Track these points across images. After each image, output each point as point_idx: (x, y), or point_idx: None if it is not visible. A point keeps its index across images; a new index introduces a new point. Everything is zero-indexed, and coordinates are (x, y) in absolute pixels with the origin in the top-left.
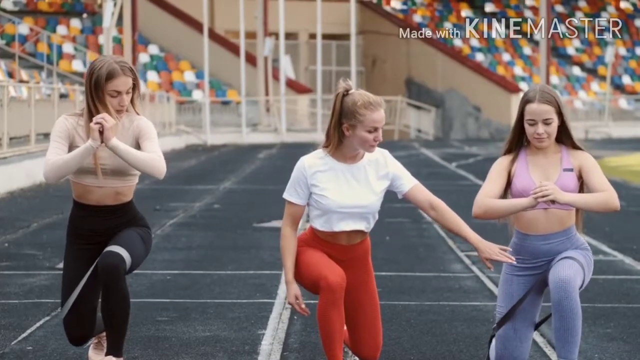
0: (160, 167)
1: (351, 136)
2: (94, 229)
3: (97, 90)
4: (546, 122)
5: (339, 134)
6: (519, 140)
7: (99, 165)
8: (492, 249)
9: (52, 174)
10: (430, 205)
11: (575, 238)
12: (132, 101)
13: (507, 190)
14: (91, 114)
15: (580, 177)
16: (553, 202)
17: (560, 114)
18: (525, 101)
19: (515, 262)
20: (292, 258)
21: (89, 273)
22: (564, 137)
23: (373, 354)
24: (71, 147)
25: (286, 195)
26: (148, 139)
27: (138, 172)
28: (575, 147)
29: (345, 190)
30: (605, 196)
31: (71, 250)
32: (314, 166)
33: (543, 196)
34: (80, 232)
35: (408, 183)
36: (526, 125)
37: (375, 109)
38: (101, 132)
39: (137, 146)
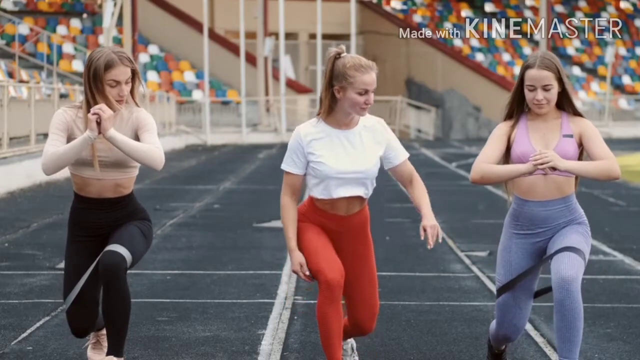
0: (158, 158)
1: (342, 99)
2: (95, 221)
3: (96, 80)
4: (545, 88)
5: (330, 98)
6: (518, 106)
7: (97, 157)
8: (433, 224)
9: (50, 165)
10: (411, 180)
11: (574, 208)
12: (132, 92)
13: (507, 156)
14: (90, 106)
15: (580, 144)
16: (553, 169)
17: (560, 80)
18: (525, 67)
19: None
20: (293, 227)
21: (92, 267)
22: (564, 103)
23: (369, 324)
24: (70, 139)
25: (284, 166)
26: (147, 131)
27: (137, 164)
28: (576, 113)
29: (342, 156)
30: (605, 164)
31: (73, 242)
32: (309, 134)
33: (542, 163)
34: (81, 224)
35: (400, 156)
36: (526, 91)
37: (366, 71)
38: (99, 123)
39: (136, 138)
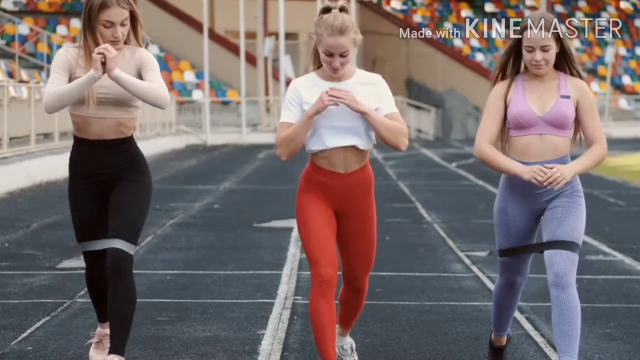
0: (163, 96)
1: (320, 54)
2: (96, 166)
3: (90, 20)
4: (544, 49)
5: (315, 50)
6: (513, 66)
7: (98, 94)
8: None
9: (52, 103)
10: None
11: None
12: (135, 34)
13: (504, 116)
14: (87, 46)
15: (577, 107)
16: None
17: (559, 41)
18: (524, 28)
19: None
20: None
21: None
22: (563, 63)
23: (362, 279)
24: (72, 78)
25: (282, 118)
26: (150, 70)
27: (139, 103)
28: (574, 74)
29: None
30: (599, 153)
31: (75, 190)
32: (303, 85)
33: (554, 182)
34: (82, 170)
35: (383, 109)
36: (524, 52)
37: (332, 34)
38: (103, 63)
39: (139, 77)
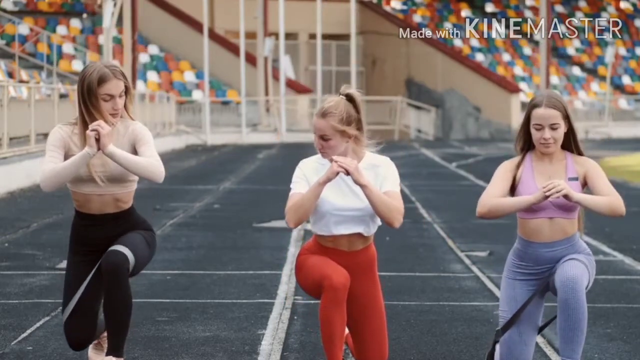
0: (159, 171)
1: None
2: (97, 237)
3: (90, 96)
4: (553, 127)
5: None
6: (524, 145)
7: (95, 172)
8: (348, 162)
9: (48, 182)
10: None
11: (579, 244)
12: (125, 106)
13: (512, 195)
14: (85, 122)
15: (584, 185)
16: (566, 196)
17: (567, 120)
18: (532, 106)
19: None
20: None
21: (91, 275)
22: (570, 143)
23: None
24: (67, 156)
25: (292, 190)
26: (145, 144)
27: (136, 177)
28: (580, 153)
29: (341, 194)
30: (614, 200)
31: (74, 258)
32: (309, 167)
33: (556, 191)
34: (83, 240)
35: (386, 186)
36: (533, 130)
37: (317, 116)
38: (97, 140)
39: (134, 151)
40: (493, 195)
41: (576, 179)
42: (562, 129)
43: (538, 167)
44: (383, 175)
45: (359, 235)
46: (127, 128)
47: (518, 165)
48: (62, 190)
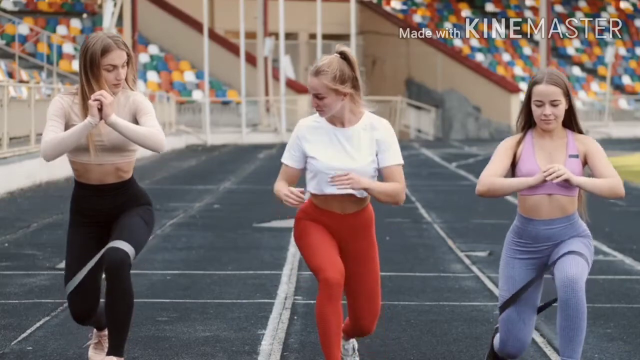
0: (160, 140)
1: None
2: (97, 208)
3: (92, 66)
4: (553, 104)
5: None
6: (526, 123)
7: (95, 142)
8: (355, 179)
9: (49, 151)
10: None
11: (578, 224)
12: (126, 77)
13: (512, 173)
14: (85, 92)
15: (585, 163)
16: (566, 180)
17: (567, 97)
18: (533, 83)
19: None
20: (284, 186)
21: (95, 259)
22: (571, 121)
23: (369, 325)
24: (67, 126)
25: (283, 159)
26: (146, 114)
27: (136, 147)
28: (580, 131)
29: (334, 153)
30: (613, 182)
31: (75, 229)
32: (307, 128)
33: (557, 176)
34: (83, 211)
35: (386, 160)
36: (533, 107)
37: (311, 74)
38: (99, 109)
39: (135, 122)
40: (493, 173)
41: (576, 156)
42: (563, 105)
43: (539, 144)
44: (382, 143)
45: (351, 197)
46: (128, 99)
47: (519, 143)
48: (62, 190)
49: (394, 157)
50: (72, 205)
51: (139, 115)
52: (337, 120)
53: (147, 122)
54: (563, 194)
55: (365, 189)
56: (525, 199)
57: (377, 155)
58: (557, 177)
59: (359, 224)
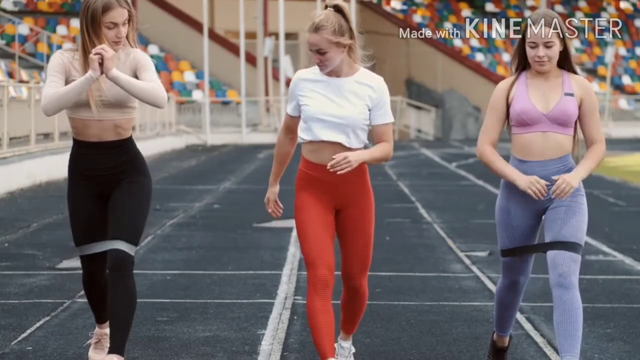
0: (161, 95)
1: None
2: (96, 167)
3: (94, 23)
4: (547, 45)
5: None
6: (519, 64)
7: (96, 97)
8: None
9: (51, 106)
10: (379, 142)
11: (572, 167)
12: (127, 35)
13: (507, 116)
14: (86, 49)
15: (580, 105)
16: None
17: (562, 39)
18: (528, 24)
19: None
20: (279, 165)
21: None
22: (565, 62)
23: (359, 277)
24: (67, 82)
25: (287, 109)
26: (146, 70)
27: (136, 104)
28: (575, 73)
29: (326, 101)
30: (599, 154)
31: (75, 190)
32: (303, 77)
33: (562, 193)
34: (83, 171)
35: (379, 118)
36: (527, 49)
37: (310, 31)
38: (100, 63)
39: (135, 78)
40: (489, 138)
41: (572, 94)
42: (557, 47)
43: (533, 84)
44: (375, 101)
45: (342, 146)
46: (128, 55)
47: (512, 85)
48: (62, 190)
49: (386, 116)
50: (71, 166)
51: (139, 72)
52: (333, 73)
53: (148, 78)
54: (558, 132)
55: (363, 162)
56: (519, 137)
57: (369, 111)
58: (565, 194)
59: (351, 176)
